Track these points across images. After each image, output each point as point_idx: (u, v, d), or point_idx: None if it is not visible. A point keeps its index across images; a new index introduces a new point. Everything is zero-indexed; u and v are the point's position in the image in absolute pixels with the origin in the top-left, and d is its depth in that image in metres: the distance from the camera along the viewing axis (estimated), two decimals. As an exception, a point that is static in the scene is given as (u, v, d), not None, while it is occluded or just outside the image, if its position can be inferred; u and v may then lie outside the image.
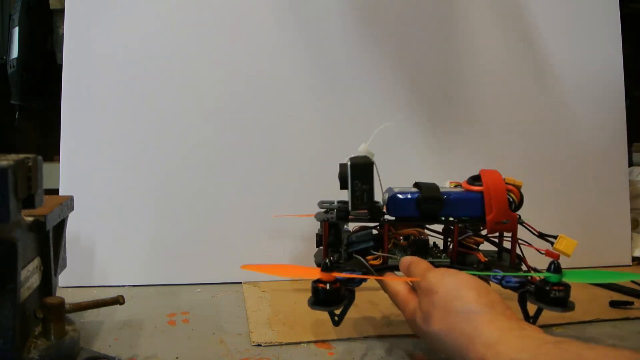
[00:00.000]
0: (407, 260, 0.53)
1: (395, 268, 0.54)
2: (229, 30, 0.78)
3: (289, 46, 0.80)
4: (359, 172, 0.52)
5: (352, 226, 0.59)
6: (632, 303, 0.70)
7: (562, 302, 0.50)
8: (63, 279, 0.70)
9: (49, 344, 0.47)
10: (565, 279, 0.50)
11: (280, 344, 0.57)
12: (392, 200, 0.54)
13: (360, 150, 0.53)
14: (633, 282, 0.79)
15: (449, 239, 0.56)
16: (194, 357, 0.54)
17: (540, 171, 0.86)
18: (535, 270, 0.54)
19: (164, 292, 0.73)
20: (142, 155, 0.76)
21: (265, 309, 0.67)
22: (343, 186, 0.53)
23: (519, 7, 0.87)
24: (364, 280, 0.54)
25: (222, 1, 0.78)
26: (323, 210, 0.59)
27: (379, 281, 0.55)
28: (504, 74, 0.86)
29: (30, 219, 0.48)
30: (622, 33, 0.90)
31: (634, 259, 0.90)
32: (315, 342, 0.58)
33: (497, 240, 0.58)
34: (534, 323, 0.51)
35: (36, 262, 0.50)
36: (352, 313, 0.66)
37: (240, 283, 0.77)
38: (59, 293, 0.56)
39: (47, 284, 0.52)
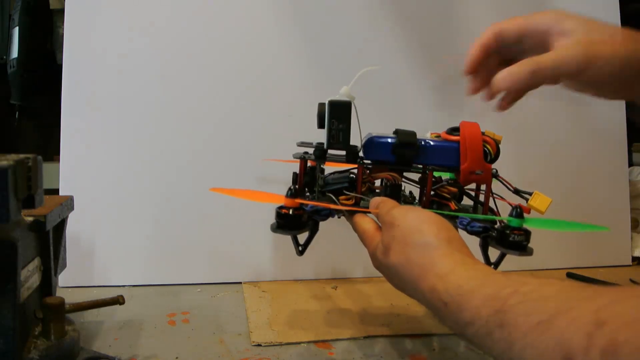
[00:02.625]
0: (377, 199, 0.53)
1: (366, 208, 0.54)
2: (230, 30, 0.78)
3: (289, 46, 0.80)
4: (336, 111, 0.52)
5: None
6: (632, 303, 0.70)
7: (520, 246, 0.50)
8: (63, 279, 0.70)
9: (49, 344, 0.47)
10: (526, 225, 0.50)
11: (280, 344, 0.57)
12: (369, 142, 0.54)
13: (342, 92, 0.53)
14: (632, 281, 0.79)
15: (425, 189, 0.56)
16: (194, 357, 0.54)
17: (540, 171, 0.86)
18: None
19: (164, 292, 0.73)
20: (142, 155, 0.76)
21: (265, 309, 0.67)
22: (320, 125, 0.53)
23: (518, 7, 0.87)
24: (330, 213, 0.55)
25: (223, 2, 0.78)
26: (302, 150, 0.59)
27: (350, 221, 0.55)
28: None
29: (30, 219, 0.49)
30: (622, 33, 0.90)
31: (634, 259, 0.91)
32: (315, 342, 0.58)
33: (472, 193, 0.58)
34: (495, 269, 0.51)
35: (36, 262, 0.50)
36: (352, 313, 0.67)
37: (240, 283, 0.77)
38: (59, 293, 0.56)
39: (47, 284, 0.52)
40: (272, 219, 0.78)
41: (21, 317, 0.45)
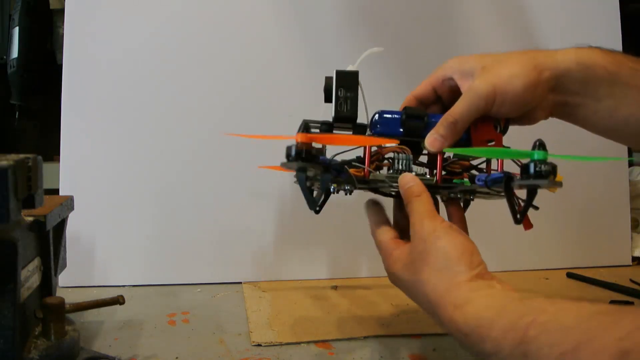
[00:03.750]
0: (409, 180, 0.49)
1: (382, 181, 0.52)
2: (230, 29, 0.78)
3: (289, 46, 0.80)
4: (344, 80, 0.51)
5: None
6: (632, 303, 0.70)
7: (548, 176, 0.46)
8: (63, 279, 0.70)
9: (49, 344, 0.47)
10: (550, 158, 0.48)
11: (280, 344, 0.57)
12: (378, 115, 0.53)
13: (348, 70, 0.52)
14: (632, 281, 0.79)
15: (434, 172, 0.53)
16: (194, 357, 0.54)
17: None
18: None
19: (164, 292, 0.73)
20: (142, 155, 0.76)
21: (265, 309, 0.67)
22: (327, 99, 0.52)
23: (519, 7, 0.87)
24: (348, 180, 0.50)
25: (223, 1, 0.78)
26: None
27: (369, 212, 0.54)
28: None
29: (30, 219, 0.48)
30: (622, 33, 0.90)
31: (634, 259, 0.91)
32: (315, 342, 0.58)
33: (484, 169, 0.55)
34: (522, 217, 0.48)
35: (36, 262, 0.50)
36: (352, 313, 0.67)
37: (240, 283, 0.77)
38: (59, 293, 0.56)
39: (47, 284, 0.52)
40: (272, 217, 0.78)
41: (21, 317, 0.45)
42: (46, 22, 0.92)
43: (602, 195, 0.90)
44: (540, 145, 0.47)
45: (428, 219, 0.47)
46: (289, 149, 0.49)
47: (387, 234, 0.52)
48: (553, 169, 0.47)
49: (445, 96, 0.56)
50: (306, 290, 0.75)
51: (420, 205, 0.48)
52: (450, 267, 0.43)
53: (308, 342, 0.58)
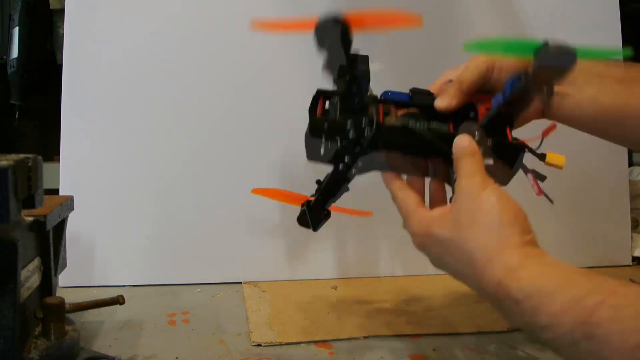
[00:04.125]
0: (465, 140, 0.46)
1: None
2: (229, 30, 0.78)
3: (289, 46, 0.80)
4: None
5: None
6: (632, 303, 0.70)
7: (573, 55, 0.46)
8: (63, 279, 0.70)
9: (49, 344, 0.47)
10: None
11: (280, 344, 0.57)
12: (385, 92, 0.52)
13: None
14: (632, 281, 0.79)
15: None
16: (194, 357, 0.54)
17: (540, 170, 0.86)
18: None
19: (164, 292, 0.73)
20: (142, 155, 0.76)
21: (265, 309, 0.67)
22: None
23: (518, 6, 0.87)
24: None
25: (223, 1, 0.78)
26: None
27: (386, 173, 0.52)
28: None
29: (30, 219, 0.49)
30: (622, 33, 0.90)
31: (634, 258, 0.90)
32: (315, 342, 0.58)
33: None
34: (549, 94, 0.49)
35: (36, 262, 0.50)
36: (352, 313, 0.67)
37: (240, 283, 0.77)
38: (59, 293, 0.56)
39: (47, 284, 0.53)
40: (271, 218, 0.78)
41: (21, 317, 0.45)
42: (46, 22, 0.92)
43: (602, 195, 0.90)
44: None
45: (480, 177, 0.44)
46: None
47: (414, 196, 0.49)
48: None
49: None
50: (306, 290, 0.75)
51: (474, 164, 0.45)
52: (504, 227, 0.41)
53: (308, 342, 0.58)
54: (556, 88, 0.51)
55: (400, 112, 0.52)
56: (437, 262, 0.46)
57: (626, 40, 0.91)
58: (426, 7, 0.84)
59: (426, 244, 0.47)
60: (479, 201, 0.42)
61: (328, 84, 0.54)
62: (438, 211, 0.46)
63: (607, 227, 0.89)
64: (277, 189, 0.61)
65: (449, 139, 0.48)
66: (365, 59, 0.51)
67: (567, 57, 0.46)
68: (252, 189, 0.60)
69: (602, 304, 0.33)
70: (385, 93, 0.53)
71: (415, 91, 0.53)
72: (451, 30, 0.85)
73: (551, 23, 0.88)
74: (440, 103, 0.51)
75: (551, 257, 0.40)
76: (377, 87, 0.54)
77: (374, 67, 0.52)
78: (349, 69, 0.50)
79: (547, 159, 0.54)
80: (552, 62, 0.46)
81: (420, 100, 0.52)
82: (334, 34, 0.48)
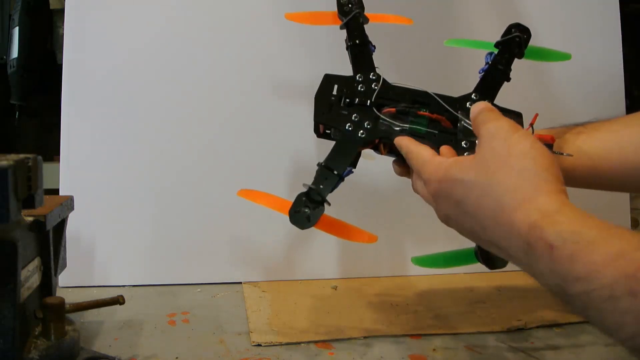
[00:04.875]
0: (482, 104, 0.46)
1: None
2: (229, 30, 0.78)
3: (290, 47, 0.80)
4: None
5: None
6: (632, 303, 0.70)
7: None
8: (63, 279, 0.70)
9: (49, 344, 0.47)
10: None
11: (280, 344, 0.57)
12: None
13: None
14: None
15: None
16: (194, 357, 0.54)
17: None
18: None
19: (164, 292, 0.73)
20: (142, 155, 0.76)
21: (265, 309, 0.67)
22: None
23: (518, 7, 0.87)
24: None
25: (222, 1, 0.78)
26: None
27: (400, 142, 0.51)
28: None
29: (30, 219, 0.48)
30: (622, 33, 0.90)
31: (634, 259, 0.90)
32: (315, 342, 0.58)
33: None
34: None
35: (36, 262, 0.50)
36: (352, 313, 0.67)
37: (240, 283, 0.77)
38: (59, 293, 0.56)
39: (47, 284, 0.52)
40: (272, 219, 0.78)
41: (21, 317, 0.45)
42: (46, 22, 0.93)
43: (602, 195, 0.90)
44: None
45: (507, 122, 0.42)
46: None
47: (430, 149, 0.48)
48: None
49: None
50: (306, 290, 0.75)
51: (497, 114, 0.44)
52: (539, 172, 0.38)
53: (308, 342, 0.58)
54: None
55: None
56: (451, 211, 0.43)
57: (626, 40, 0.91)
58: (426, 8, 0.84)
59: (442, 190, 0.43)
60: (510, 143, 0.40)
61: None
62: (457, 157, 0.44)
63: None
64: (265, 193, 0.57)
65: (453, 101, 0.53)
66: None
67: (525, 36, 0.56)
68: (238, 191, 0.57)
69: None
70: None
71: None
72: (451, 31, 0.85)
73: (551, 23, 0.88)
74: None
75: (595, 217, 0.36)
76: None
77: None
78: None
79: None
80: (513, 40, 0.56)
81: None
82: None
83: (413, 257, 0.57)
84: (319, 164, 0.53)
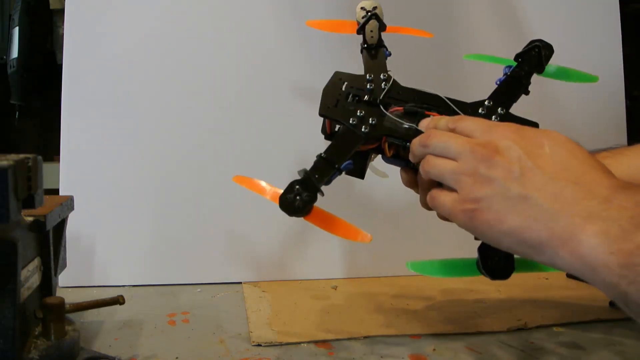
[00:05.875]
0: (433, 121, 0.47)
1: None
2: (229, 30, 0.78)
3: (288, 46, 0.80)
4: None
5: None
6: (632, 303, 0.70)
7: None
8: (63, 279, 0.70)
9: (49, 344, 0.47)
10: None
11: (280, 344, 0.57)
12: None
13: None
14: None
15: None
16: (194, 357, 0.54)
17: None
18: None
19: (164, 292, 0.73)
20: (142, 155, 0.76)
21: (265, 309, 0.67)
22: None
23: (518, 7, 0.87)
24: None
25: (222, 1, 0.78)
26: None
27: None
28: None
29: (30, 219, 0.48)
30: (622, 33, 0.90)
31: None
32: (315, 342, 0.58)
33: None
34: None
35: (36, 262, 0.50)
36: (352, 313, 0.67)
37: (240, 283, 0.77)
38: (59, 293, 0.56)
39: (47, 284, 0.52)
40: (273, 219, 0.78)
41: (21, 317, 0.45)
42: (46, 22, 0.93)
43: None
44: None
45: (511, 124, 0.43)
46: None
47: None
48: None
49: None
50: (306, 290, 0.75)
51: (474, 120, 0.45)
52: (589, 161, 0.38)
53: (308, 342, 0.58)
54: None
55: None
56: (512, 136, 0.41)
57: (626, 40, 0.91)
58: (426, 8, 0.84)
59: (507, 124, 0.43)
60: (532, 144, 0.40)
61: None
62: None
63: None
64: (260, 181, 0.56)
65: (465, 107, 0.53)
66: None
67: (547, 51, 0.56)
68: (233, 177, 0.56)
69: None
70: None
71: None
72: (451, 31, 0.85)
73: (551, 23, 0.88)
74: None
75: None
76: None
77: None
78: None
79: None
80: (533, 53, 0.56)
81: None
82: None
83: (409, 262, 0.53)
84: (318, 155, 0.52)
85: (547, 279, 0.80)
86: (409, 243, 0.82)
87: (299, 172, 0.51)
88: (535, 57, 0.55)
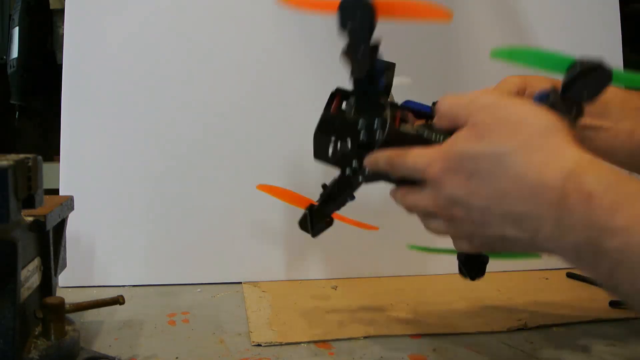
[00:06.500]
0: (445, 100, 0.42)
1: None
2: (229, 30, 0.78)
3: (288, 46, 0.80)
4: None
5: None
6: (632, 303, 0.70)
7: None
8: (63, 279, 0.70)
9: (49, 344, 0.47)
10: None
11: (280, 344, 0.57)
12: (406, 102, 0.51)
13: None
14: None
15: None
16: (194, 357, 0.54)
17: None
18: None
19: (164, 292, 0.73)
20: (142, 155, 0.76)
21: (265, 309, 0.67)
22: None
23: (518, 7, 0.87)
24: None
25: (222, 1, 0.78)
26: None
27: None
28: (504, 74, 0.85)
29: (30, 219, 0.48)
30: (622, 33, 0.90)
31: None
32: (315, 342, 0.58)
33: None
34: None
35: (36, 262, 0.50)
36: (352, 313, 0.67)
37: (240, 283, 0.77)
38: (59, 293, 0.56)
39: (47, 284, 0.53)
40: (271, 219, 0.78)
41: (21, 317, 0.45)
42: (46, 22, 0.92)
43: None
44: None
45: (481, 92, 0.41)
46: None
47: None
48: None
49: None
50: (306, 290, 0.75)
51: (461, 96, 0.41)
52: (559, 127, 0.36)
53: (308, 342, 0.58)
54: (590, 120, 0.49)
55: (418, 122, 0.49)
56: (461, 189, 0.38)
57: (626, 40, 0.91)
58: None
59: (450, 167, 0.39)
60: (506, 105, 0.38)
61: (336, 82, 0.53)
62: (455, 134, 0.40)
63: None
64: (283, 188, 0.62)
65: None
66: (391, 65, 0.50)
67: (601, 77, 0.43)
68: (257, 185, 0.63)
69: None
70: (407, 102, 0.51)
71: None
72: (451, 31, 0.85)
73: (551, 23, 0.88)
74: None
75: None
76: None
77: (399, 81, 0.50)
78: (368, 59, 0.46)
79: None
80: (584, 80, 0.43)
81: None
82: (359, 16, 0.44)
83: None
84: (323, 186, 0.54)
85: (547, 279, 0.80)
86: (409, 243, 0.82)
87: (322, 187, 0.55)
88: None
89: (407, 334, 0.60)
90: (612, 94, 0.49)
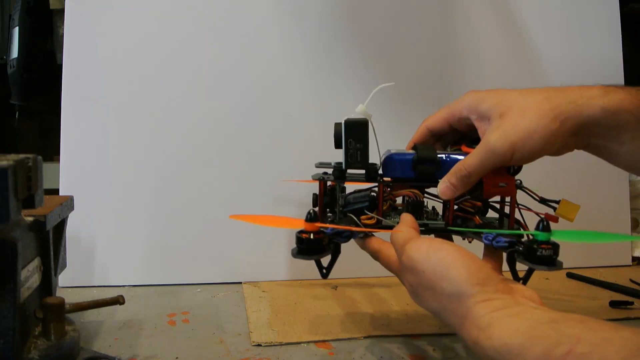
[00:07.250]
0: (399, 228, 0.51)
1: (389, 228, 0.53)
2: (229, 30, 0.78)
3: (288, 46, 0.80)
4: (353, 131, 0.51)
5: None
6: (632, 303, 0.70)
7: (549, 261, 0.49)
8: (63, 279, 0.70)
9: (49, 344, 0.47)
10: (554, 238, 0.49)
11: (280, 344, 0.57)
12: (388, 160, 0.54)
13: (357, 111, 0.52)
14: (632, 282, 0.79)
15: (447, 204, 0.55)
16: (194, 357, 0.54)
17: (539, 171, 0.86)
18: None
19: (164, 292, 0.73)
20: (142, 155, 0.76)
21: (265, 309, 0.67)
22: (337, 145, 0.53)
23: (519, 7, 0.87)
24: (351, 235, 0.55)
25: (222, 2, 0.78)
26: (321, 171, 0.58)
27: (364, 246, 0.56)
28: (504, 74, 0.86)
29: (30, 219, 0.49)
30: (622, 33, 0.90)
31: (634, 258, 0.91)
32: (315, 342, 0.58)
33: (497, 206, 0.57)
34: (524, 284, 0.50)
35: (36, 262, 0.50)
36: (352, 313, 0.67)
37: (240, 283, 0.77)
38: (59, 293, 0.56)
39: (47, 284, 0.52)
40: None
41: (21, 317, 0.45)
42: (46, 22, 0.92)
43: (602, 195, 0.90)
44: (544, 227, 0.49)
45: (410, 242, 0.47)
46: (299, 239, 0.54)
47: (389, 249, 0.54)
48: (555, 251, 0.49)
49: (461, 128, 0.56)
50: (306, 290, 0.75)
51: (397, 237, 0.49)
52: (460, 289, 0.42)
53: (308, 342, 0.58)
54: (604, 142, 0.51)
55: (399, 192, 0.55)
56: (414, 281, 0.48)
57: (626, 40, 0.91)
58: (426, 10, 0.84)
59: (407, 270, 0.48)
60: (430, 270, 0.45)
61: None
62: (396, 267, 0.51)
63: (607, 227, 0.89)
64: (256, 215, 0.62)
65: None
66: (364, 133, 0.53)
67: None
68: (230, 215, 0.61)
69: (569, 354, 0.34)
70: (388, 164, 0.54)
71: (420, 158, 0.53)
72: (450, 30, 0.85)
73: (551, 24, 0.88)
74: (443, 196, 0.52)
75: (521, 298, 0.43)
76: (377, 108, 0.54)
77: (383, 86, 0.54)
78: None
79: (559, 210, 0.54)
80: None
81: (421, 172, 0.54)
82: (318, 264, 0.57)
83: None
84: (314, 196, 0.57)
85: (547, 279, 0.80)
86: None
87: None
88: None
89: (407, 334, 0.60)
90: (627, 115, 0.49)
